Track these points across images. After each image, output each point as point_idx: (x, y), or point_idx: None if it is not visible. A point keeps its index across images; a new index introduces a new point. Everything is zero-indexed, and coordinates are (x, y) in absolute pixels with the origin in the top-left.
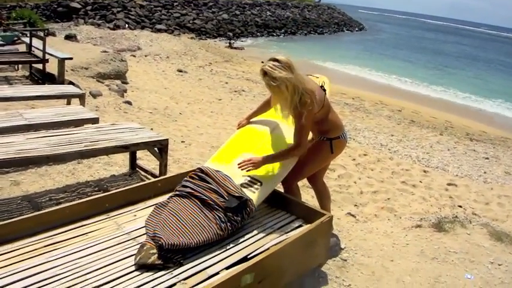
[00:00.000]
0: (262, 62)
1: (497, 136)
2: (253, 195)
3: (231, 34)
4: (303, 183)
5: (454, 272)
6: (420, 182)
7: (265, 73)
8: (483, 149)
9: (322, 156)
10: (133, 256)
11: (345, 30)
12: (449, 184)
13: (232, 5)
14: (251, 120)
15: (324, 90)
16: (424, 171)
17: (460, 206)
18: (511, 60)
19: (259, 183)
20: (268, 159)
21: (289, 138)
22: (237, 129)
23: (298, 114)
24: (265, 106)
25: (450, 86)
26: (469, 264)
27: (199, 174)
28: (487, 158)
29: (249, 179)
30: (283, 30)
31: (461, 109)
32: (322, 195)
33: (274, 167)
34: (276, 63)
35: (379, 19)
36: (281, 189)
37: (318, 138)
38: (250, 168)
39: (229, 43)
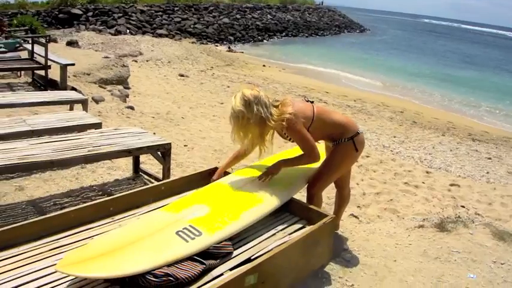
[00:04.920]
0: (264, 65)
1: (499, 136)
2: (186, 244)
3: (232, 38)
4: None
5: (456, 271)
6: (423, 182)
7: None
8: (485, 149)
9: (348, 157)
10: None
11: (346, 32)
12: (451, 185)
13: (233, 9)
14: (226, 177)
15: (311, 102)
16: (427, 172)
17: (463, 206)
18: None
19: (197, 233)
20: (280, 164)
21: (259, 196)
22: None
23: (289, 128)
24: (239, 157)
25: (452, 87)
26: (472, 264)
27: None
28: (490, 158)
29: (188, 228)
30: (284, 34)
31: (462, 110)
32: (344, 199)
33: (223, 223)
34: (240, 96)
35: (383, 21)
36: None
37: (336, 142)
38: (269, 178)
39: (229, 47)
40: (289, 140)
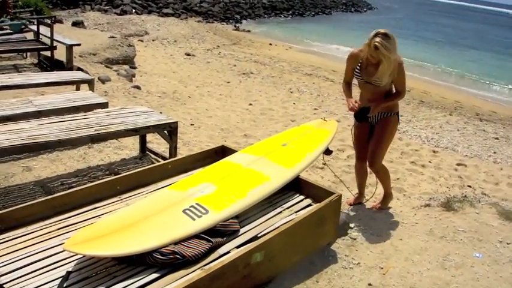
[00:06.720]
0: (270, 44)
1: (507, 116)
2: (192, 222)
3: (238, 17)
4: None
5: (462, 250)
6: (429, 162)
7: (376, 48)
8: (493, 129)
9: (394, 128)
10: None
11: (353, 11)
12: (458, 164)
13: None
14: (232, 155)
15: None
16: (434, 152)
17: (470, 186)
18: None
19: (204, 211)
20: (378, 105)
21: (265, 174)
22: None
23: (402, 69)
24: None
25: (461, 67)
26: (478, 243)
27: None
28: (497, 138)
29: (195, 206)
30: (290, 12)
31: (470, 90)
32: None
33: (230, 201)
34: (385, 41)
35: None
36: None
37: (385, 114)
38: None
39: (236, 26)
40: (373, 82)
